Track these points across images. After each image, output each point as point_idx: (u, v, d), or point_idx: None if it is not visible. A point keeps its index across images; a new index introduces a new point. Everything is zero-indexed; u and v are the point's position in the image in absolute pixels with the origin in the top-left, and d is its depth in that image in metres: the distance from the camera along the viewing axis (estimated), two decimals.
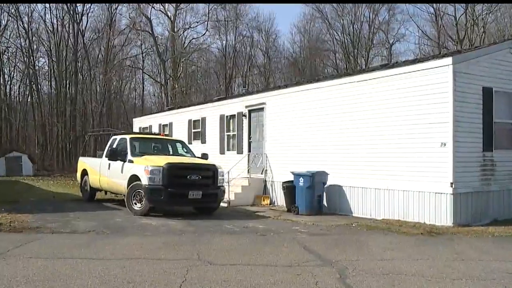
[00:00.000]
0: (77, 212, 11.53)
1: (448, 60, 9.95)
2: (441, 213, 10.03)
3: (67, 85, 39.93)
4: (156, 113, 27.23)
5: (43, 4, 38.91)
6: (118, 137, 13.34)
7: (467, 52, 10.91)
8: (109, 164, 12.71)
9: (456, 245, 7.91)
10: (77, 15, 39.28)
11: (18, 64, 41.02)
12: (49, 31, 39.61)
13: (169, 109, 24.16)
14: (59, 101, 38.81)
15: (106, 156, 13.11)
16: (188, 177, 11.10)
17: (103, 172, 13.21)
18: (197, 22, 41.33)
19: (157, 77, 44.29)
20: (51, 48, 39.59)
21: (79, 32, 39.05)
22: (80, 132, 37.73)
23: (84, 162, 15.19)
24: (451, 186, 9.81)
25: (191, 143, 18.15)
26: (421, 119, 10.40)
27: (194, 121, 19.34)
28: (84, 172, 14.79)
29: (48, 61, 40.82)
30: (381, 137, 11.34)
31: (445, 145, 9.92)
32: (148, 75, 45.30)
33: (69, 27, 39.41)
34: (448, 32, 36.57)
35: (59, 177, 27.73)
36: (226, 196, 12.83)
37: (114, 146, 12.93)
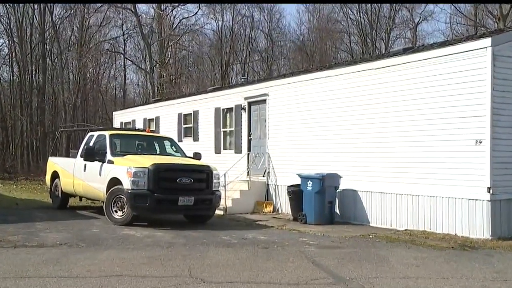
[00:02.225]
0: (46, 222, 11.52)
1: (486, 41, 9.91)
2: (476, 224, 10.02)
3: (33, 72, 39.79)
4: (140, 105, 27.32)
5: None
6: (96, 133, 13.40)
7: (511, 31, 10.84)
8: (85, 165, 12.72)
9: (496, 262, 7.90)
10: None
11: None
12: (8, 5, 39.08)
13: (156, 101, 24.21)
14: (23, 91, 38.66)
15: (81, 156, 13.12)
16: (178, 180, 11.13)
17: (77, 174, 13.22)
18: None
19: (142, 63, 44.34)
20: (12, 26, 39.24)
21: (47, 8, 38.78)
22: (50, 127, 37.76)
23: (54, 163, 15.21)
24: (489, 192, 9.79)
25: (181, 141, 18.20)
26: (452, 113, 10.38)
27: (185, 115, 19.35)
28: (55, 175, 14.79)
29: (8, 42, 40.40)
30: (404, 134, 11.33)
31: (481, 142, 9.91)
32: (131, 61, 45.33)
33: (33, 2, 39.13)
34: (487, 7, 35.59)
35: (23, 181, 27.72)
36: (222, 202, 12.87)
37: (91, 144, 12.95)
